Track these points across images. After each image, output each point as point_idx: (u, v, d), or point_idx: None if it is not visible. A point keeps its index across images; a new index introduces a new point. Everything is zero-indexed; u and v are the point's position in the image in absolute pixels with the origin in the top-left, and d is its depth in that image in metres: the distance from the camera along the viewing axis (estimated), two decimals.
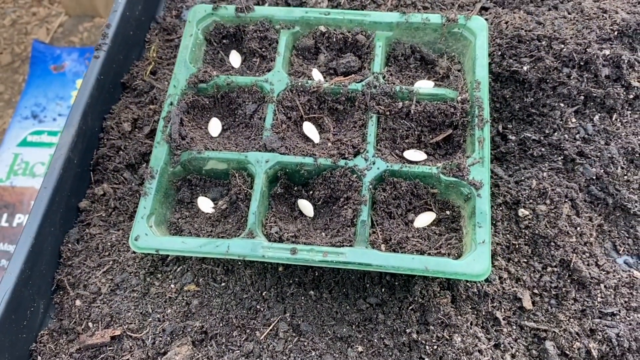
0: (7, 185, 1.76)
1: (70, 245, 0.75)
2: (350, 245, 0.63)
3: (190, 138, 0.70)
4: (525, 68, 0.78)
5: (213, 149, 0.70)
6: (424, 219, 0.67)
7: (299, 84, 0.72)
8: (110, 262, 0.74)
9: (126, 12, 0.84)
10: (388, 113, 0.70)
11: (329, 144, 0.70)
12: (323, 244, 0.64)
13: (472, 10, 0.86)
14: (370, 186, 0.66)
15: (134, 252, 0.74)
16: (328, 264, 0.62)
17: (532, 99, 0.79)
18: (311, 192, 0.70)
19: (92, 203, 0.78)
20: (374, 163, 0.67)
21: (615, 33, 0.78)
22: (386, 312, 0.70)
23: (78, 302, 0.72)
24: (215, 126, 0.74)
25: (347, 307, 0.71)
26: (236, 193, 0.69)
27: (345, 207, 0.66)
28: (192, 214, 0.71)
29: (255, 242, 0.63)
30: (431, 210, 0.68)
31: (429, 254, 0.64)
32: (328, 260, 0.62)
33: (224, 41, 0.79)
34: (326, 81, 0.73)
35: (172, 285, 0.72)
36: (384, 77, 0.72)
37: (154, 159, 0.69)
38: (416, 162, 0.69)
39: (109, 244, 0.75)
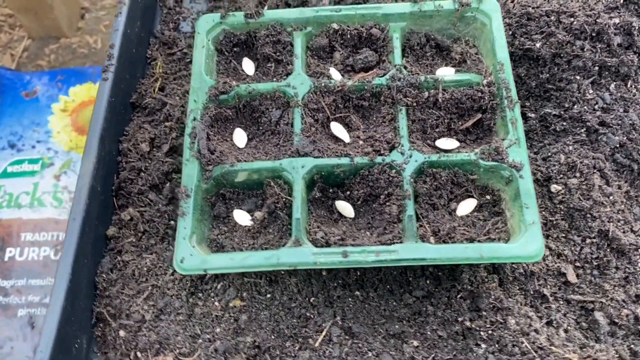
0: None
1: (104, 276, 0.73)
2: (400, 242, 0.63)
3: (219, 152, 0.69)
4: (537, 45, 0.78)
5: (245, 160, 0.69)
6: (466, 207, 0.67)
7: (322, 84, 0.71)
8: (150, 288, 0.72)
9: (127, 29, 0.81)
10: (415, 104, 0.70)
11: (361, 142, 0.69)
12: (371, 243, 0.64)
13: None
14: (411, 180, 0.65)
15: (172, 274, 0.72)
16: (381, 263, 0.62)
17: (548, 75, 0.79)
18: (348, 193, 0.69)
19: (119, 229, 0.76)
20: (410, 156, 0.66)
21: (622, 1, 0.79)
22: (434, 304, 0.70)
23: (122, 333, 0.70)
24: (240, 137, 0.72)
25: (394, 303, 0.71)
26: (274, 202, 0.68)
27: (387, 203, 0.66)
28: (230, 228, 0.69)
29: (305, 250, 0.62)
30: (472, 196, 0.68)
31: (479, 241, 0.64)
32: (381, 260, 0.61)
33: (235, 49, 0.78)
34: (347, 79, 0.72)
35: (217, 303, 0.71)
36: (405, 68, 0.71)
37: (186, 177, 0.67)
38: (450, 150, 0.69)
39: (145, 269, 0.73)
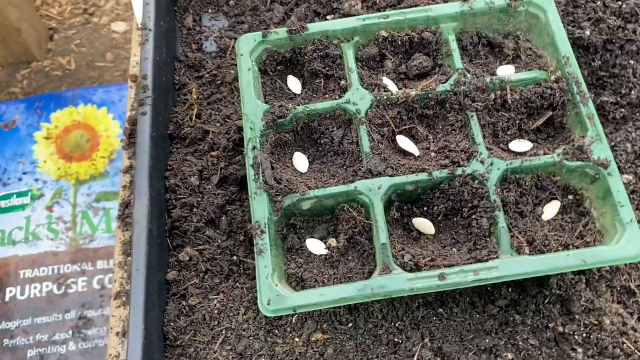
0: None
1: (173, 324, 0.68)
2: (496, 257, 0.60)
3: (286, 180, 0.65)
4: (587, 32, 0.76)
5: (315, 187, 0.65)
6: (551, 210, 0.65)
7: (385, 97, 0.67)
8: (224, 331, 0.67)
9: (156, 56, 0.76)
10: (483, 108, 0.67)
11: (433, 154, 0.66)
12: (464, 261, 0.61)
13: None
14: (497, 189, 0.62)
15: (245, 314, 0.68)
16: (481, 282, 0.59)
17: (600, 62, 0.77)
18: (425, 208, 0.66)
19: (179, 272, 0.71)
20: (492, 164, 0.63)
21: None
22: (521, 312, 0.68)
23: None
24: (301, 161, 0.68)
25: (478, 315, 0.68)
26: (351, 227, 0.64)
27: (473, 216, 0.63)
28: (305, 259, 0.65)
29: (399, 277, 0.59)
30: (555, 198, 0.65)
31: (576, 246, 0.61)
32: (481, 279, 0.58)
33: (278, 68, 0.73)
34: (409, 88, 0.69)
35: (297, 339, 0.67)
36: (468, 72, 0.68)
37: (257, 211, 0.63)
38: (525, 153, 0.66)
39: (215, 311, 0.68)
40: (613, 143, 0.75)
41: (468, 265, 0.59)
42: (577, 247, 0.61)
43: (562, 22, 0.78)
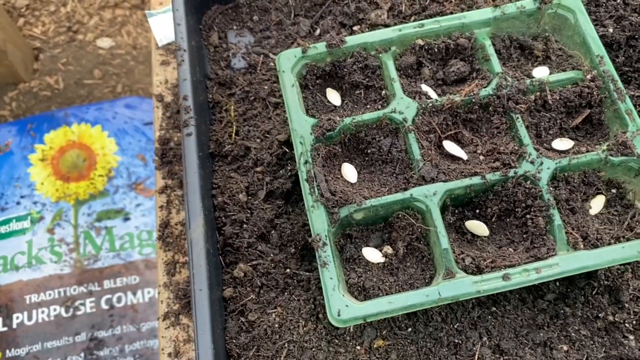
0: None
1: (235, 341, 0.68)
2: (555, 254, 0.62)
3: (340, 192, 0.66)
4: (610, 30, 0.79)
5: (370, 197, 0.66)
6: (597, 204, 0.67)
7: (430, 104, 0.69)
8: (286, 344, 0.68)
9: (193, 77, 0.77)
10: (525, 109, 0.69)
11: (481, 157, 0.68)
12: (524, 260, 0.62)
13: None
14: (549, 188, 0.64)
15: (305, 325, 0.69)
16: (544, 279, 0.60)
17: (624, 58, 0.80)
18: (477, 211, 0.68)
19: (235, 288, 0.71)
20: (542, 164, 0.65)
21: None
22: (570, 304, 0.70)
23: None
24: (350, 171, 0.69)
25: (529, 311, 0.70)
26: (408, 234, 0.65)
27: (527, 216, 0.64)
28: (364, 268, 0.66)
29: (465, 281, 0.60)
30: (601, 193, 0.67)
31: (626, 238, 0.63)
32: (544, 276, 0.60)
33: (318, 81, 0.74)
34: (444, 94, 0.70)
35: (359, 347, 0.68)
36: (508, 75, 0.70)
37: (316, 224, 0.64)
38: (567, 151, 0.68)
39: (276, 325, 0.69)
40: None
41: (530, 264, 0.61)
42: (628, 239, 0.63)
43: None
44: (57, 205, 1.77)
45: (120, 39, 2.09)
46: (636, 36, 0.78)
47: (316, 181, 0.65)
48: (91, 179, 1.77)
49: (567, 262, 0.60)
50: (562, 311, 0.69)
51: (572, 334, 0.68)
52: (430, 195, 0.64)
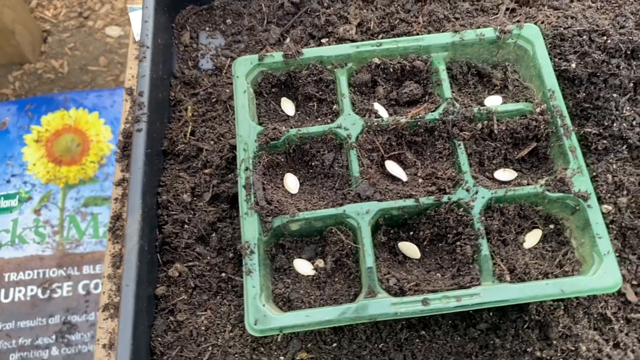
0: None
1: (160, 339, 0.69)
2: (478, 284, 0.62)
3: (276, 201, 0.66)
4: (573, 65, 0.79)
5: (304, 208, 0.66)
6: (532, 238, 0.67)
7: (375, 123, 0.69)
8: (210, 348, 0.68)
9: (153, 74, 0.78)
10: (470, 137, 0.69)
11: (420, 180, 0.68)
12: (448, 287, 0.62)
13: (499, 15, 0.86)
14: (481, 217, 0.64)
15: (232, 331, 0.69)
16: (463, 308, 0.60)
17: (585, 94, 0.79)
18: (412, 233, 0.68)
19: (168, 287, 0.72)
20: (477, 192, 0.65)
21: None
22: (501, 336, 0.70)
23: None
24: (292, 182, 0.70)
25: (459, 338, 0.70)
26: (338, 250, 0.65)
27: (458, 243, 0.64)
28: (292, 280, 0.66)
29: (383, 301, 0.60)
30: (537, 227, 0.67)
31: (554, 275, 0.63)
32: (463, 305, 0.60)
33: (273, 90, 0.75)
34: (395, 115, 0.71)
35: (282, 358, 0.68)
36: (457, 101, 0.70)
37: (247, 232, 0.64)
38: (509, 182, 0.68)
39: (202, 328, 0.69)
40: (594, 173, 0.77)
41: (451, 292, 0.60)
42: (556, 276, 0.63)
43: (550, 54, 0.80)
44: (47, 187, 1.79)
45: (129, 28, 2.11)
46: (598, 74, 0.78)
47: (253, 189, 0.66)
48: (83, 165, 1.78)
49: (488, 293, 0.60)
50: (492, 342, 0.69)
51: None
52: (362, 213, 0.65)
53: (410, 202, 0.65)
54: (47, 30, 2.16)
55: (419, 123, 0.69)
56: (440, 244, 0.67)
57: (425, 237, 0.66)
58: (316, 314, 0.60)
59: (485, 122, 0.69)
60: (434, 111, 0.70)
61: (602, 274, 0.61)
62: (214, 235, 0.74)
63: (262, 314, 0.61)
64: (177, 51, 0.89)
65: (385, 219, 0.67)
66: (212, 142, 0.79)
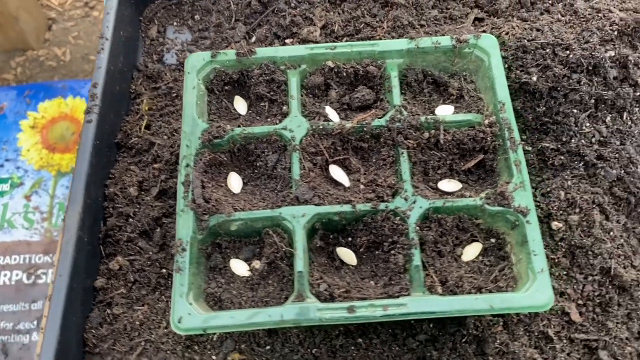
0: None
1: (94, 331, 0.69)
2: (408, 294, 0.61)
3: (215, 200, 0.66)
4: (534, 78, 0.77)
5: (242, 209, 0.66)
6: (471, 252, 0.66)
7: (321, 127, 0.68)
8: (143, 343, 0.68)
9: (110, 66, 0.78)
10: (416, 146, 0.68)
11: (362, 186, 0.67)
12: (377, 295, 0.62)
13: (467, 23, 0.85)
14: (417, 227, 0.63)
15: (167, 327, 0.69)
16: (390, 317, 0.59)
17: (545, 108, 0.78)
18: (350, 239, 0.67)
19: (108, 280, 0.72)
20: (415, 202, 0.64)
21: (616, 33, 0.79)
22: (438, 348, 0.69)
23: None
24: (235, 182, 0.69)
25: (397, 348, 0.69)
26: (273, 252, 0.65)
27: (392, 252, 0.64)
28: (227, 279, 0.66)
29: (309, 307, 0.60)
30: (477, 240, 0.66)
31: (488, 290, 0.62)
32: (390, 314, 0.59)
33: (226, 88, 0.75)
34: (346, 120, 0.70)
35: (214, 357, 0.68)
36: (405, 109, 0.69)
37: (181, 229, 0.64)
38: (453, 193, 0.67)
39: (137, 322, 0.69)
40: (549, 189, 0.76)
41: (378, 300, 0.60)
42: (490, 291, 0.62)
43: (511, 66, 0.79)
44: (39, 173, 1.80)
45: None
46: (558, 88, 0.77)
47: (192, 186, 0.65)
48: (76, 153, 1.78)
49: (415, 304, 0.59)
50: (429, 354, 0.68)
51: None
52: (298, 217, 0.64)
53: (347, 207, 0.64)
54: (52, 18, 2.17)
55: (365, 129, 0.68)
56: (376, 252, 0.66)
57: (362, 244, 0.66)
58: (240, 316, 0.60)
59: (432, 131, 0.68)
60: (381, 118, 0.69)
61: (534, 292, 0.60)
62: (158, 230, 0.74)
63: (187, 312, 0.60)
64: (143, 44, 0.89)
65: (323, 224, 0.66)
66: (165, 137, 0.79)
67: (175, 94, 0.84)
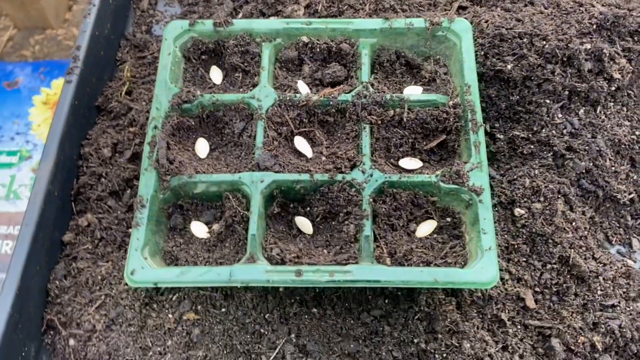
0: None
1: (57, 282, 0.71)
2: (356, 262, 0.62)
3: (178, 162, 0.67)
4: (509, 67, 0.78)
5: (204, 172, 0.67)
6: (425, 228, 0.67)
7: (287, 98, 0.70)
8: (103, 297, 0.70)
9: (95, 31, 0.80)
10: (380, 122, 0.69)
11: (323, 158, 0.69)
12: (327, 262, 0.63)
13: (451, 11, 0.86)
14: (371, 199, 0.64)
15: (127, 284, 0.71)
16: (335, 283, 0.61)
17: (518, 97, 0.79)
18: (308, 209, 0.68)
19: (76, 235, 0.74)
20: (371, 175, 0.65)
21: (594, 27, 0.79)
22: (391, 324, 0.70)
23: (72, 342, 0.68)
24: (202, 147, 0.71)
25: (352, 321, 0.70)
26: (231, 216, 0.67)
27: (346, 222, 0.65)
28: (186, 240, 0.68)
29: (258, 267, 0.61)
30: (432, 218, 0.67)
31: (436, 264, 0.63)
32: (335, 280, 0.60)
33: (203, 57, 0.77)
34: (314, 93, 0.71)
35: (170, 315, 0.70)
36: (372, 86, 0.70)
37: (143, 186, 0.66)
38: (412, 171, 0.68)
39: (99, 277, 0.71)
40: (515, 176, 0.76)
41: (325, 266, 0.61)
42: (438, 266, 0.63)
43: (487, 53, 0.80)
44: None
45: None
46: (532, 77, 0.77)
47: (157, 147, 0.67)
48: None
49: (361, 272, 0.60)
50: (381, 329, 0.69)
51: (383, 353, 0.68)
52: (257, 182, 0.66)
53: (305, 176, 0.66)
54: None
55: (331, 103, 0.70)
56: (332, 222, 0.67)
57: (319, 213, 0.67)
58: (190, 272, 0.62)
59: (397, 109, 0.69)
60: (347, 93, 0.70)
61: (480, 269, 0.60)
62: (128, 191, 0.76)
63: (140, 266, 0.62)
64: (133, 15, 0.91)
65: (282, 192, 0.67)
66: (144, 103, 0.81)
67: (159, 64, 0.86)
